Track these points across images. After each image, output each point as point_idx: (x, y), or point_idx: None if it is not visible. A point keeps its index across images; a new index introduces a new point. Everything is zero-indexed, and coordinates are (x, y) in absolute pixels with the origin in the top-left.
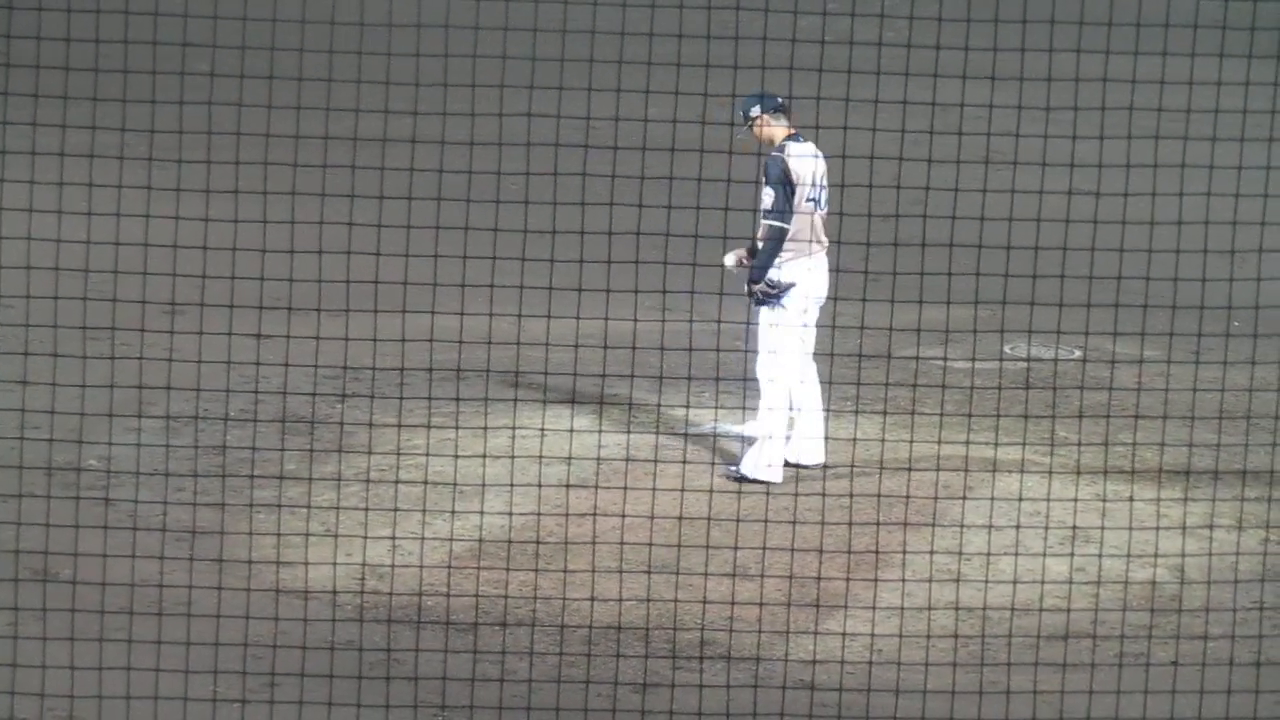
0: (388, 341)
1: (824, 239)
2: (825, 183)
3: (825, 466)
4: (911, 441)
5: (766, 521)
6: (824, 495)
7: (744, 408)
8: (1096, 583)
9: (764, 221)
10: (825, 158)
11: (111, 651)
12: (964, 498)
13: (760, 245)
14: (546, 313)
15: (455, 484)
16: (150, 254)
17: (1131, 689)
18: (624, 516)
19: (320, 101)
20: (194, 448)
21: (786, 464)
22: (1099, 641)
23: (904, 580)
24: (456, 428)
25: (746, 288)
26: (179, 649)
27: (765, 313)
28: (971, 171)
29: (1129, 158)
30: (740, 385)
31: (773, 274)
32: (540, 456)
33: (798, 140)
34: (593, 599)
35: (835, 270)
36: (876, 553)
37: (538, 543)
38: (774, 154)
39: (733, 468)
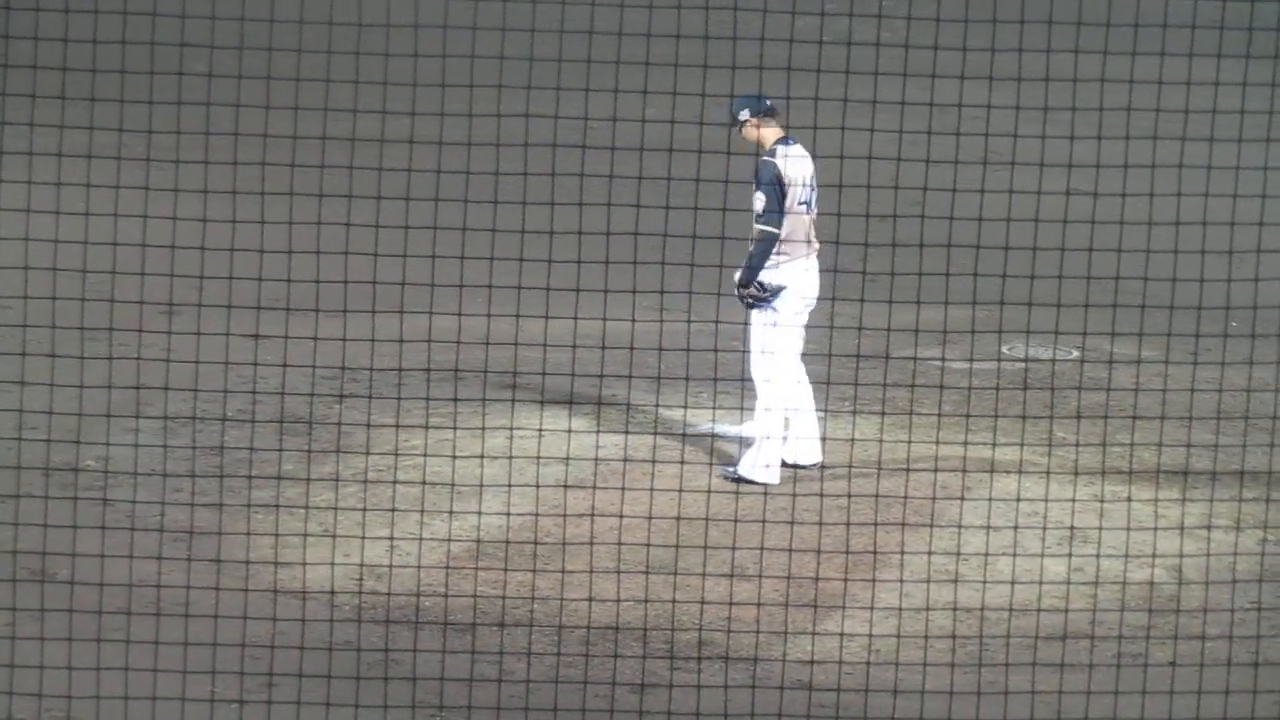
0: (385, 342)
1: (816, 241)
2: (815, 184)
3: (823, 467)
4: (909, 442)
5: (764, 522)
6: (821, 496)
7: (741, 409)
8: (1094, 583)
9: (756, 225)
10: (821, 158)
11: (109, 652)
12: (962, 498)
13: (751, 249)
14: (544, 313)
15: (453, 484)
16: (148, 254)
17: (1129, 689)
18: (622, 517)
19: (318, 102)
20: (191, 448)
21: (784, 465)
22: (1097, 642)
23: (902, 581)
24: (454, 428)
25: (737, 291)
26: (177, 649)
27: (759, 314)
28: (969, 172)
29: (1127, 158)
30: (738, 386)
31: (763, 277)
32: (538, 457)
33: (788, 143)
34: (590, 599)
35: (833, 270)
36: (874, 553)
37: (535, 543)
38: (765, 158)
39: (730, 469)
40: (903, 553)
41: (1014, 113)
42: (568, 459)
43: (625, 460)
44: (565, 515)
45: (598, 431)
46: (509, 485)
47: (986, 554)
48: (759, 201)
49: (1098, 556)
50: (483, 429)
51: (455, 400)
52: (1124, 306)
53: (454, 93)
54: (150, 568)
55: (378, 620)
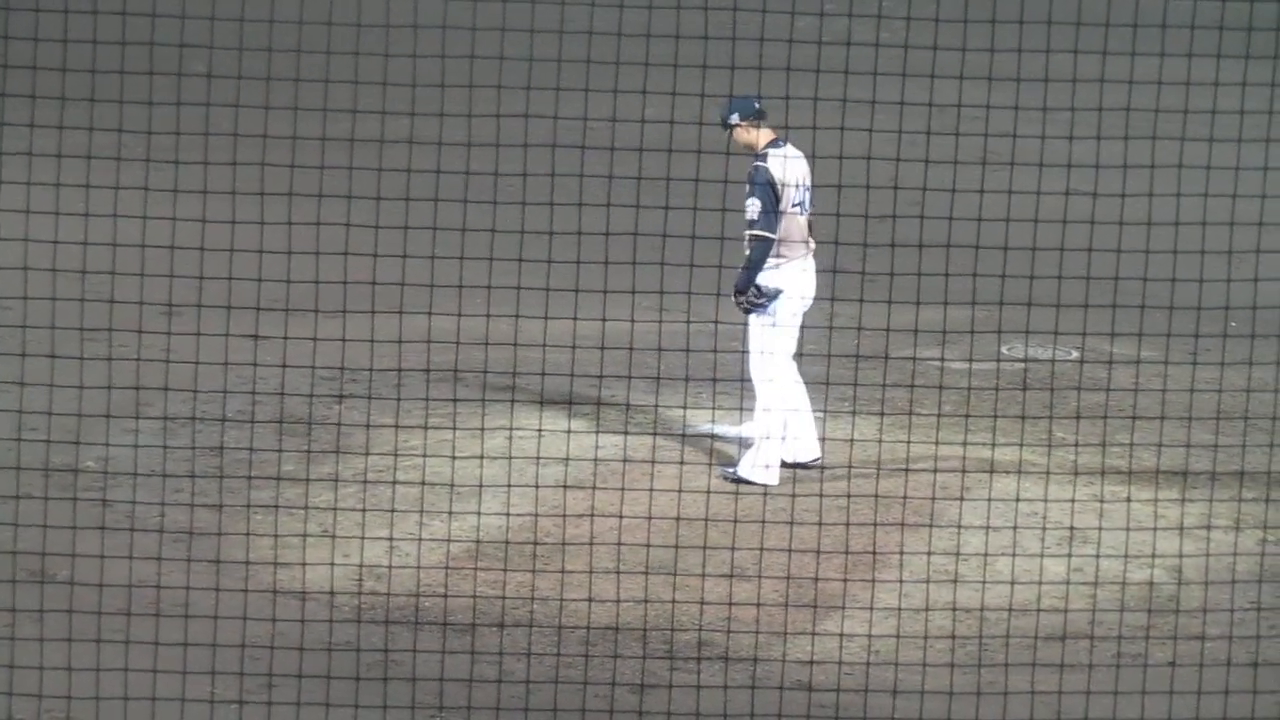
0: (385, 342)
1: (812, 241)
2: (810, 184)
3: (822, 467)
4: (909, 442)
5: (764, 522)
6: (821, 496)
7: (741, 409)
8: (1094, 583)
9: (749, 231)
10: (820, 159)
11: (109, 652)
12: (961, 498)
13: (747, 254)
14: (543, 314)
15: (452, 485)
16: (147, 255)
17: (1129, 690)
18: (621, 517)
19: (317, 103)
20: (191, 449)
21: (783, 465)
22: (1096, 642)
23: (901, 581)
24: (454, 428)
25: (734, 297)
26: (176, 650)
27: (758, 314)
28: (968, 172)
29: (1126, 158)
30: (737, 386)
31: (761, 279)
32: (537, 457)
33: (780, 145)
34: (590, 600)
35: (832, 271)
36: (874, 554)
37: (535, 544)
38: (758, 162)
39: (729, 469)
40: (902, 553)
41: (1013, 113)
42: (567, 459)
43: (624, 461)
44: (565, 516)
45: (597, 432)
46: (508, 486)
47: (986, 554)
48: (752, 207)
49: (1097, 557)
50: (482, 429)
51: (454, 401)
52: (1123, 307)
53: (453, 93)
54: (150, 568)
55: (377, 621)
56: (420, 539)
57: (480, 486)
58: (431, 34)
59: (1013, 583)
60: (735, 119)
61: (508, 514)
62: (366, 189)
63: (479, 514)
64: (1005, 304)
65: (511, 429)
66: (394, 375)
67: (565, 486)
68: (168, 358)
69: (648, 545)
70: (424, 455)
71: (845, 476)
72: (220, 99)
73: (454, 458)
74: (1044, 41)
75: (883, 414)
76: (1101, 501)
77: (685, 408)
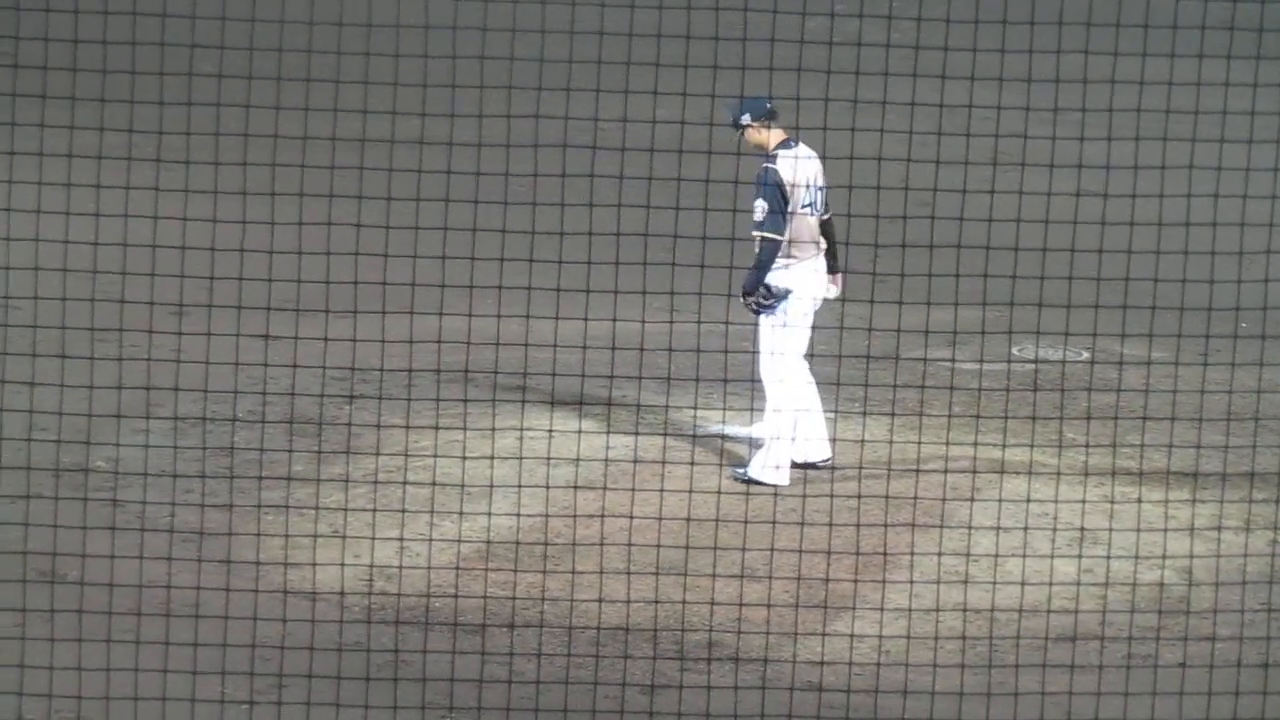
0: (395, 343)
1: (822, 241)
2: (822, 184)
3: (833, 467)
4: (919, 443)
5: (774, 523)
6: (831, 497)
7: (752, 409)
8: (1104, 584)
9: (756, 233)
10: (831, 159)
11: (119, 653)
12: (971, 499)
13: (756, 254)
14: (554, 314)
15: (463, 485)
16: (158, 255)
17: (1139, 690)
18: (631, 518)
19: (328, 103)
20: (201, 449)
21: (794, 465)
22: (1106, 643)
23: (911, 582)
24: (464, 429)
25: (742, 298)
26: (186, 650)
27: (766, 316)
28: (979, 173)
29: (1137, 159)
30: (748, 387)
31: (770, 279)
32: (548, 458)
33: (791, 145)
34: (600, 600)
35: (843, 272)
36: (884, 554)
37: (545, 544)
38: (767, 164)
39: (740, 470)
40: (912, 554)
41: (1024, 114)
42: (578, 460)
43: (635, 461)
44: (575, 516)
45: (608, 432)
46: (519, 486)
47: (996, 555)
48: (760, 208)
49: (1108, 558)
50: (493, 430)
51: (465, 401)
52: (1134, 308)
53: (464, 94)
54: (160, 569)
55: (388, 621)
56: (431, 539)
57: (491, 487)
58: (442, 34)
59: (1023, 584)
60: (746, 119)
61: (518, 514)
62: (377, 189)
63: (489, 514)
64: (1016, 305)
65: (522, 429)
66: (405, 376)
67: (576, 487)
68: (178, 358)
69: (658, 546)
70: (435, 456)
71: (856, 477)
72: (231, 99)
73: (464, 458)
74: (1055, 42)
75: (893, 414)
76: (1112, 502)
77: (696, 408)
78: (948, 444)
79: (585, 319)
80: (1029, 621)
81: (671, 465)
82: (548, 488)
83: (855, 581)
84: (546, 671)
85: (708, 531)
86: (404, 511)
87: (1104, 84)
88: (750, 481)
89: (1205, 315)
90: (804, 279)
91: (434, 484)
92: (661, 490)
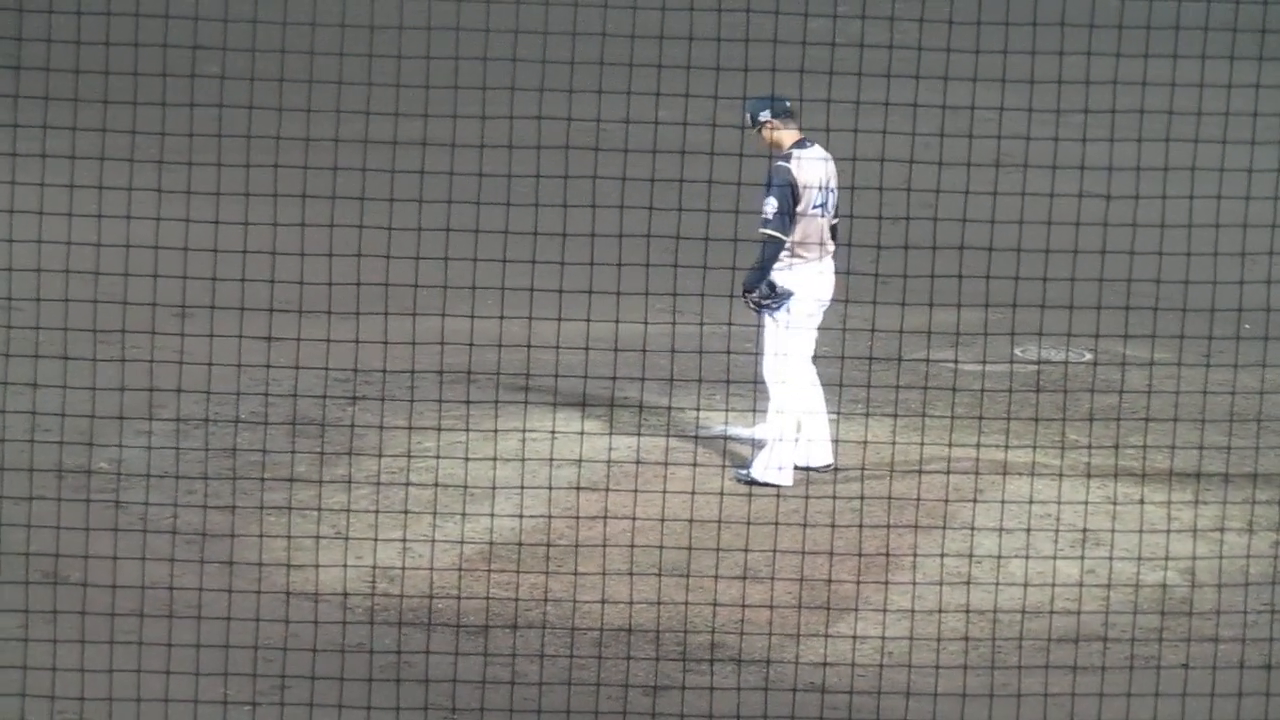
0: (398, 344)
1: (830, 243)
2: (834, 186)
3: (835, 469)
4: (922, 444)
5: (777, 524)
6: (834, 498)
7: (754, 410)
8: (1107, 586)
9: (762, 230)
10: (835, 160)
11: (122, 654)
12: (974, 500)
13: (759, 253)
14: (557, 315)
15: (466, 486)
16: (160, 256)
17: (1142, 692)
18: (634, 519)
19: (330, 104)
20: (204, 450)
21: (796, 467)
22: (1109, 644)
23: (914, 583)
24: (467, 430)
25: (743, 296)
26: (189, 652)
27: (767, 315)
28: (982, 174)
29: (1139, 160)
30: (751, 388)
31: (775, 279)
32: (551, 459)
33: (805, 145)
34: (603, 601)
35: (846, 273)
36: (887, 555)
37: (548, 545)
38: (780, 162)
39: (743, 471)
40: (915, 555)
41: (1026, 115)
42: (580, 461)
43: (638, 462)
44: (578, 517)
45: (610, 433)
46: (522, 487)
47: (999, 556)
48: (768, 206)
49: (1110, 559)
50: (495, 431)
51: (468, 402)
52: (1137, 309)
53: (467, 95)
54: (163, 570)
55: (390, 622)
56: (433, 541)
57: (493, 488)
58: (445, 35)
59: (1026, 585)
60: (765, 115)
61: (521, 516)
62: (380, 190)
63: (492, 516)
64: (1019, 306)
65: (525, 430)
66: (407, 377)
67: (579, 488)
68: (181, 359)
69: (661, 547)
70: (437, 457)
71: (859, 478)
72: (233, 100)
73: (467, 459)
74: (1057, 43)
75: (896, 416)
76: (1115, 504)
77: (699, 409)
78: (950, 445)
79: (588, 320)
80: (1032, 623)
81: (674, 466)
82: (550, 489)
83: (858, 583)
84: (549, 673)
85: (710, 533)
86: (407, 513)
87: (1106, 85)
88: (753, 483)
89: (1208, 316)
90: (808, 280)
91: (437, 485)
92: (664, 491)
